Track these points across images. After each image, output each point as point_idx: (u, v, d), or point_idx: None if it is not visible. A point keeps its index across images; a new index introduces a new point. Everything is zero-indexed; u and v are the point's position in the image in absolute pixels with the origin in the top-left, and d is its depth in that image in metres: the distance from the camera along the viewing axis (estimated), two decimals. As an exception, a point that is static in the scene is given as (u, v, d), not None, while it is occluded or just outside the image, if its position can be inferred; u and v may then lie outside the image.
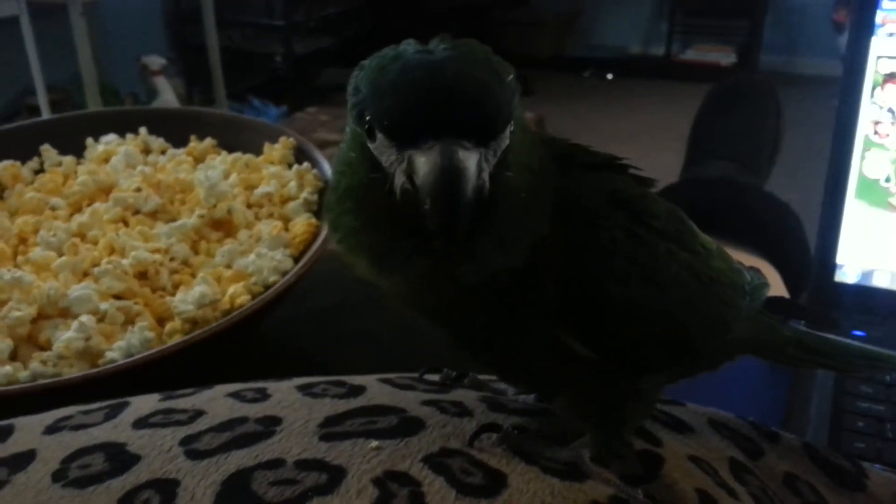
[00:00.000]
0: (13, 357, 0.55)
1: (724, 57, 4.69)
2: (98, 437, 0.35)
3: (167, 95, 3.49)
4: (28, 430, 0.37)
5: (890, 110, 0.79)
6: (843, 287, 0.82)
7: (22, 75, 2.95)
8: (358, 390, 0.40)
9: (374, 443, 0.34)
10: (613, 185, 0.37)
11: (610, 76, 4.91)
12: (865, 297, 0.81)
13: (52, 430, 0.36)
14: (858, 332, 0.76)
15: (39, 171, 0.78)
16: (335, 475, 0.32)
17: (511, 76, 0.31)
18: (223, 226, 0.68)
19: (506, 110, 0.30)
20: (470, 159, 0.29)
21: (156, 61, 3.54)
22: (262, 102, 3.85)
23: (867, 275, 0.82)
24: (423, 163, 0.29)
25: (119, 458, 0.33)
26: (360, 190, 0.32)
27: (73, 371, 0.52)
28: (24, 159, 0.78)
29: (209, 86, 3.50)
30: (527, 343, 0.36)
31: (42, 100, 2.89)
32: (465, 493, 0.31)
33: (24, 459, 0.34)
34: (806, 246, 1.13)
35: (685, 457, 0.39)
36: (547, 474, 0.33)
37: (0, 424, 0.37)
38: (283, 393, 0.39)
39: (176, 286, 0.61)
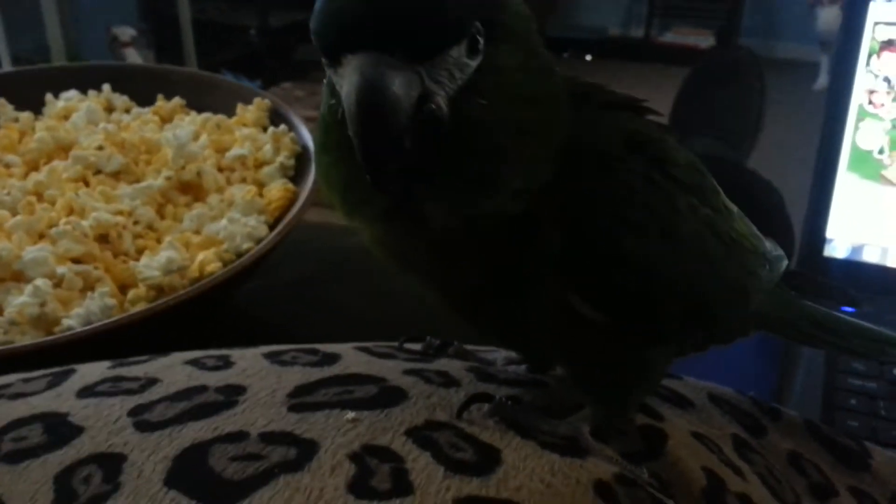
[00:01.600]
0: (-40, 323, 0.51)
1: (703, 40, 4.70)
2: (37, 407, 0.32)
3: (138, 67, 3.41)
4: None
5: (886, 79, 0.76)
6: (833, 262, 0.81)
7: (-14, 44, 2.86)
8: (332, 358, 0.37)
9: (351, 414, 0.31)
10: (632, 126, 0.33)
11: (589, 57, 4.89)
12: (855, 273, 0.79)
13: None
14: (848, 308, 0.74)
15: (-6, 126, 0.74)
16: (306, 449, 0.28)
17: None
18: (192, 189, 0.64)
19: (455, 21, 0.26)
20: (394, 76, 0.25)
21: (126, 32, 3.45)
22: (236, 76, 3.77)
23: (857, 250, 0.80)
24: (345, 82, 0.26)
25: (59, 431, 0.30)
26: (325, 118, 0.29)
27: (27, 339, 0.48)
28: (-26, 115, 0.73)
29: (181, 59, 3.42)
30: (526, 302, 0.32)
31: (7, 69, 2.80)
32: (454, 470, 0.28)
33: None
34: (789, 224, 1.12)
35: (688, 433, 0.36)
36: (545, 450, 0.30)
37: None
38: (249, 361, 0.36)
39: (140, 251, 0.57)
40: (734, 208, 0.38)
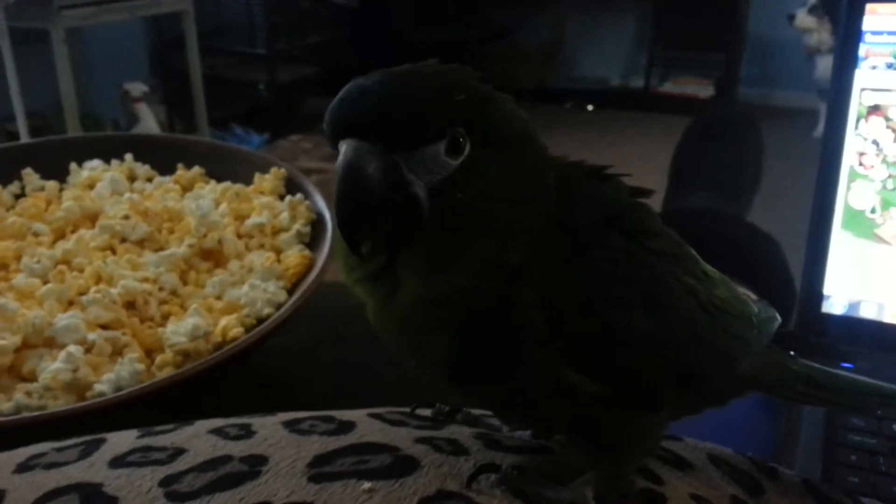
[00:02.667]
0: (-6, 389, 0.54)
1: (702, 89, 4.78)
2: (72, 477, 0.33)
3: (148, 122, 3.49)
4: None
5: (874, 142, 0.80)
6: (831, 318, 0.82)
7: (1, 101, 2.93)
8: (347, 426, 0.39)
9: (367, 484, 0.32)
10: (606, 199, 0.36)
11: (590, 108, 4.98)
12: (853, 329, 0.81)
13: (23, 468, 0.34)
14: (846, 364, 0.76)
15: (20, 195, 0.77)
16: None
17: (462, 96, 0.32)
18: (212, 256, 0.67)
19: (426, 125, 0.31)
20: (370, 160, 0.30)
21: (138, 88, 3.53)
22: (245, 130, 3.85)
23: (854, 306, 0.82)
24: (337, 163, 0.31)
25: (94, 501, 0.31)
26: None
27: (59, 404, 0.51)
28: (3, 183, 0.77)
29: (191, 113, 3.50)
30: (517, 373, 0.34)
31: (21, 126, 2.86)
32: None
33: None
34: (790, 276, 1.14)
35: (687, 495, 0.38)
36: None
37: None
38: (269, 429, 0.38)
39: (164, 317, 0.60)
40: (716, 274, 0.40)
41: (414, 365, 0.37)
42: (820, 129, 3.99)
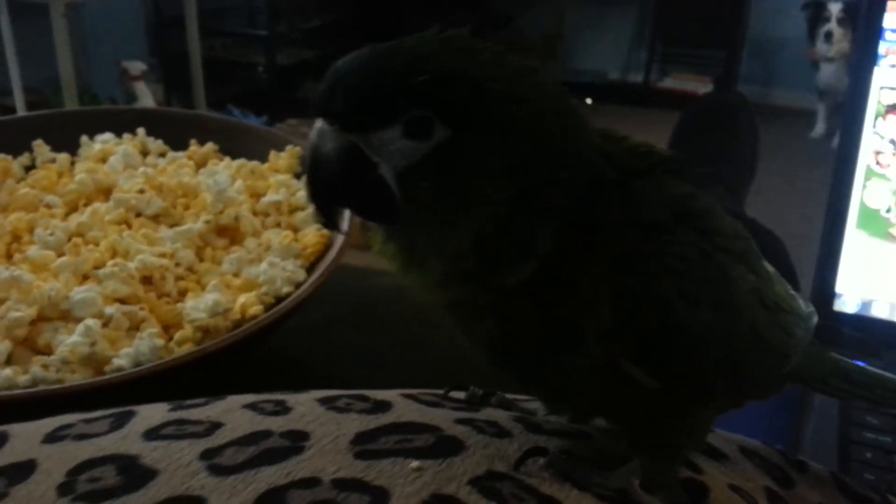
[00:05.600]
0: (8, 361, 0.52)
1: (702, 86, 4.78)
2: (106, 449, 0.32)
3: (146, 101, 3.46)
4: (24, 438, 0.34)
5: (892, 141, 0.79)
6: (843, 316, 0.82)
7: (-1, 75, 2.90)
8: (384, 405, 0.38)
9: (415, 463, 0.32)
10: (676, 195, 0.35)
11: (589, 101, 4.97)
12: (865, 327, 0.81)
13: (52, 438, 0.33)
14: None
15: (31, 167, 0.76)
16: (378, 497, 0.29)
17: (423, 77, 0.30)
18: (228, 233, 0.66)
19: (380, 101, 0.30)
20: (326, 138, 0.31)
21: (136, 66, 3.50)
22: (243, 112, 3.82)
23: (867, 305, 0.82)
24: None
25: (133, 472, 0.30)
26: None
27: (76, 377, 0.50)
28: (12, 155, 0.75)
29: (189, 93, 3.47)
30: (572, 367, 0.34)
31: (19, 101, 2.83)
32: None
33: (22, 470, 0.31)
34: (793, 272, 1.13)
35: (726, 486, 0.38)
36: (603, 502, 0.32)
37: None
38: (305, 406, 0.37)
39: (181, 293, 0.59)
40: (771, 269, 0.40)
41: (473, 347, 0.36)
42: (817, 129, 3.99)
